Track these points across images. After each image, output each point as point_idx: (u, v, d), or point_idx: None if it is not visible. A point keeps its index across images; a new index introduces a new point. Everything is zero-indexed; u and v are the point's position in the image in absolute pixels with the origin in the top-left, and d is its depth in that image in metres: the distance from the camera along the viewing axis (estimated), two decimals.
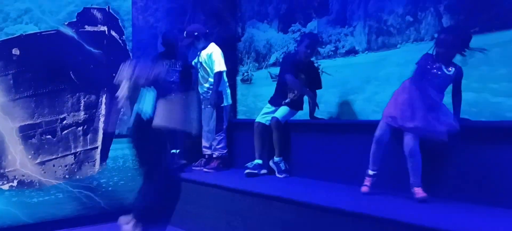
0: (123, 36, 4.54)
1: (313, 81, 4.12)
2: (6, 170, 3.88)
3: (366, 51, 3.95)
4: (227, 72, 4.59)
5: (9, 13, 3.93)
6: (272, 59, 4.83)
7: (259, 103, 4.90)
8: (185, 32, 4.54)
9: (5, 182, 3.88)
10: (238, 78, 5.22)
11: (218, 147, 4.55)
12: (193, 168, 4.65)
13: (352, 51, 4.06)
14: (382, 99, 3.74)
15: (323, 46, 4.28)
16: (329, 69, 4.24)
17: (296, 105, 4.15)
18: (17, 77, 3.92)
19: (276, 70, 4.69)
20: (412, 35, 3.62)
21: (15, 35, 3.93)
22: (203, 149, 4.68)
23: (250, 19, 5.12)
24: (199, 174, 4.36)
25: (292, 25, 4.61)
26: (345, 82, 4.10)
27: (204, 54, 4.52)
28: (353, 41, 4.06)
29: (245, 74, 5.16)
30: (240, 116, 5.15)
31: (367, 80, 3.91)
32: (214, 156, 4.57)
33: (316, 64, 4.28)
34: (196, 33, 4.49)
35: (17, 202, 3.92)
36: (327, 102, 4.21)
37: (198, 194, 4.01)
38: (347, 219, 2.77)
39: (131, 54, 4.59)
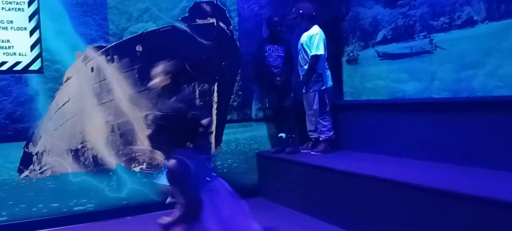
0: (230, 26, 4.76)
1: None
2: (136, 154, 4.39)
3: (486, 21, 3.57)
4: (331, 53, 4.52)
5: (132, 13, 4.36)
6: (379, 37, 4.62)
7: (366, 84, 4.76)
8: (293, 9, 4.59)
9: (137, 165, 4.41)
10: (344, 59, 5.11)
11: (324, 129, 4.54)
12: (301, 150, 4.73)
13: (469, 22, 3.70)
14: (507, 73, 3.37)
15: (436, 19, 3.97)
16: (443, 43, 3.93)
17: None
18: (141, 71, 4.35)
19: (384, 48, 4.50)
20: None
21: (137, 33, 4.37)
22: (309, 133, 4.72)
23: None
24: (307, 157, 4.41)
25: None
26: (463, 56, 3.76)
27: (305, 35, 4.52)
28: (470, 11, 3.69)
29: (351, 54, 5.03)
30: (347, 97, 5.06)
31: (488, 53, 3.54)
32: (320, 139, 4.58)
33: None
34: (301, 11, 4.50)
35: (146, 182, 4.39)
36: (442, 79, 3.92)
37: (307, 176, 4.08)
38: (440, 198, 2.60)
39: (238, 43, 4.80)
